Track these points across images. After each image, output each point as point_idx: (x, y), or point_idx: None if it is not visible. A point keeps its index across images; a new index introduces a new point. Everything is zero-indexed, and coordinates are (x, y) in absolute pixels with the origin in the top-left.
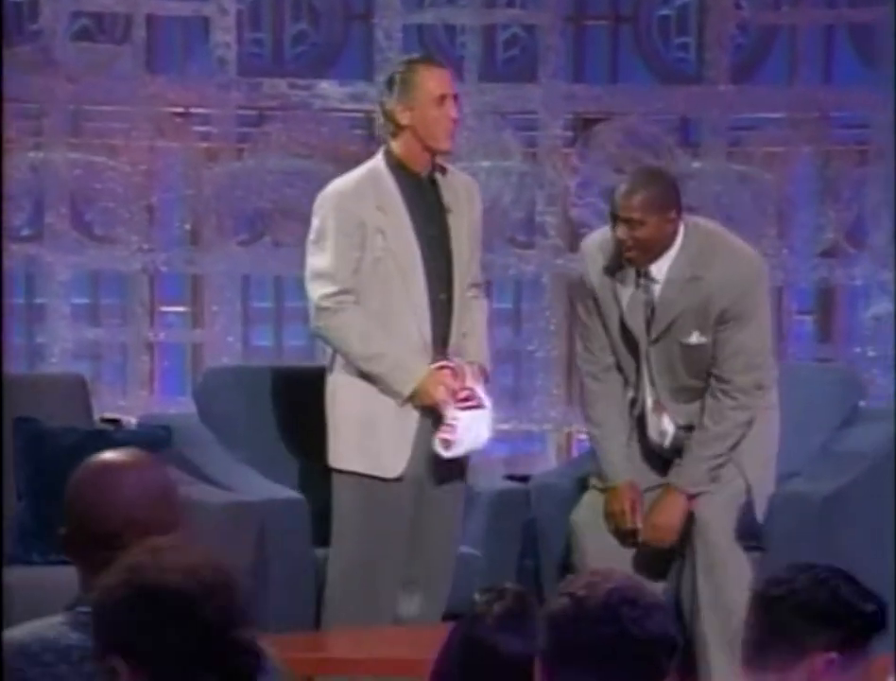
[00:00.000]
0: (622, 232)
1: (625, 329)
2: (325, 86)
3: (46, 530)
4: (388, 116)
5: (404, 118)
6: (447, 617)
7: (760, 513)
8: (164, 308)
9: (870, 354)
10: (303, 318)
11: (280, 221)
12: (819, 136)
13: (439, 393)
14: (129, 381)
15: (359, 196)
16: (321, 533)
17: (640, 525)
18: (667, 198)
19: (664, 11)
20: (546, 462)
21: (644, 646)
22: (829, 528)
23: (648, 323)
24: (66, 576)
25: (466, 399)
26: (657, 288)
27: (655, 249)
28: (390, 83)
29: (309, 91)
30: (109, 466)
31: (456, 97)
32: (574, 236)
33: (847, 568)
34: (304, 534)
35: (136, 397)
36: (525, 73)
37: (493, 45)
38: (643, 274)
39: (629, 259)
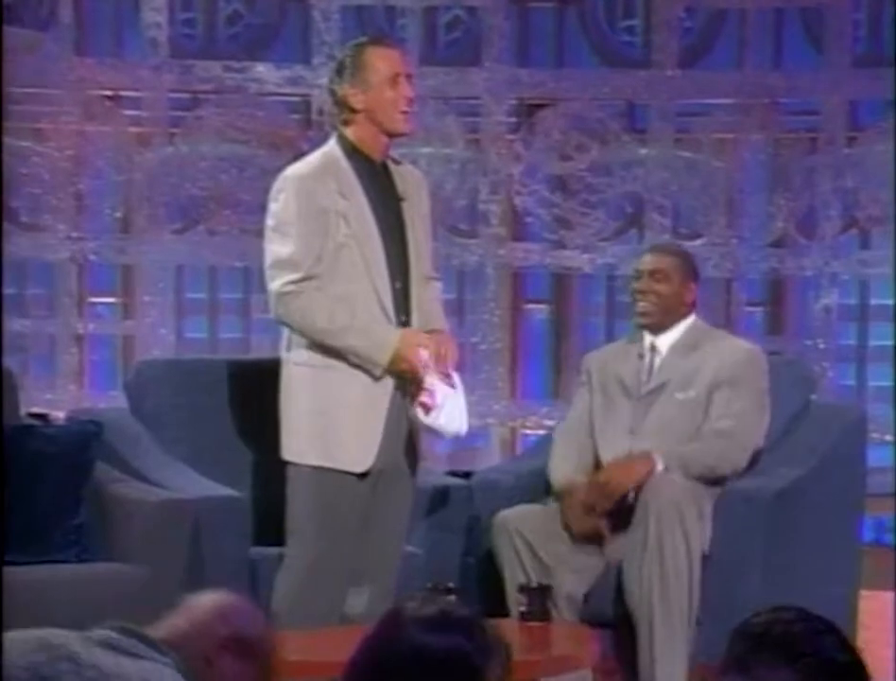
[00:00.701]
0: (644, 284)
1: (622, 389)
2: (261, 69)
3: None
4: (341, 102)
5: (357, 102)
6: None
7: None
8: (94, 299)
9: (821, 346)
10: (239, 309)
11: (214, 209)
12: (769, 123)
13: (419, 356)
14: (58, 375)
15: (320, 181)
16: (259, 532)
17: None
18: (692, 269)
19: None
20: (490, 458)
21: None
22: (780, 524)
23: (642, 384)
24: None
25: (445, 376)
26: (658, 358)
27: (669, 311)
28: (340, 68)
29: (244, 74)
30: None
31: (409, 77)
32: (518, 225)
33: (796, 565)
34: (241, 533)
35: (65, 391)
36: (467, 56)
37: (435, 28)
38: (650, 348)
39: (642, 314)
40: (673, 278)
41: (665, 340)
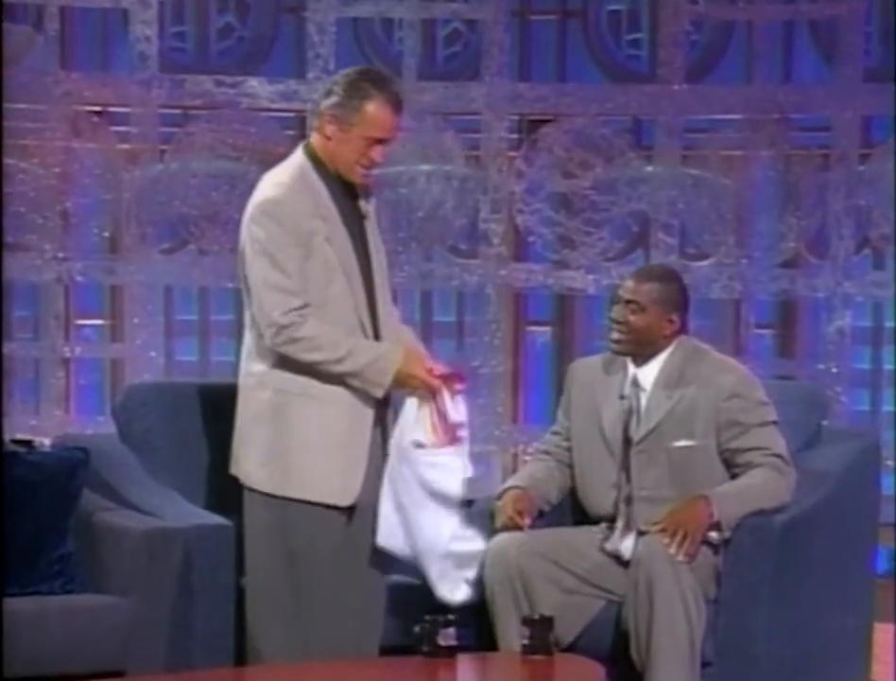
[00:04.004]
0: (619, 312)
1: (603, 440)
2: (254, 84)
3: None
4: (319, 117)
5: (328, 131)
6: (387, 649)
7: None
8: (81, 321)
9: (834, 370)
10: (230, 331)
11: (205, 228)
12: (779, 139)
13: (422, 371)
14: (43, 399)
15: (300, 203)
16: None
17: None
18: (675, 299)
19: (615, 6)
20: (491, 485)
21: None
22: (790, 556)
23: (628, 431)
24: None
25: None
26: (643, 396)
27: (643, 343)
28: (336, 91)
29: (236, 89)
30: None
31: (391, 139)
32: (520, 245)
33: (808, 597)
34: (231, 562)
35: (50, 417)
36: (467, 71)
37: (434, 41)
38: (632, 382)
39: (614, 342)
40: (649, 311)
41: (648, 375)
